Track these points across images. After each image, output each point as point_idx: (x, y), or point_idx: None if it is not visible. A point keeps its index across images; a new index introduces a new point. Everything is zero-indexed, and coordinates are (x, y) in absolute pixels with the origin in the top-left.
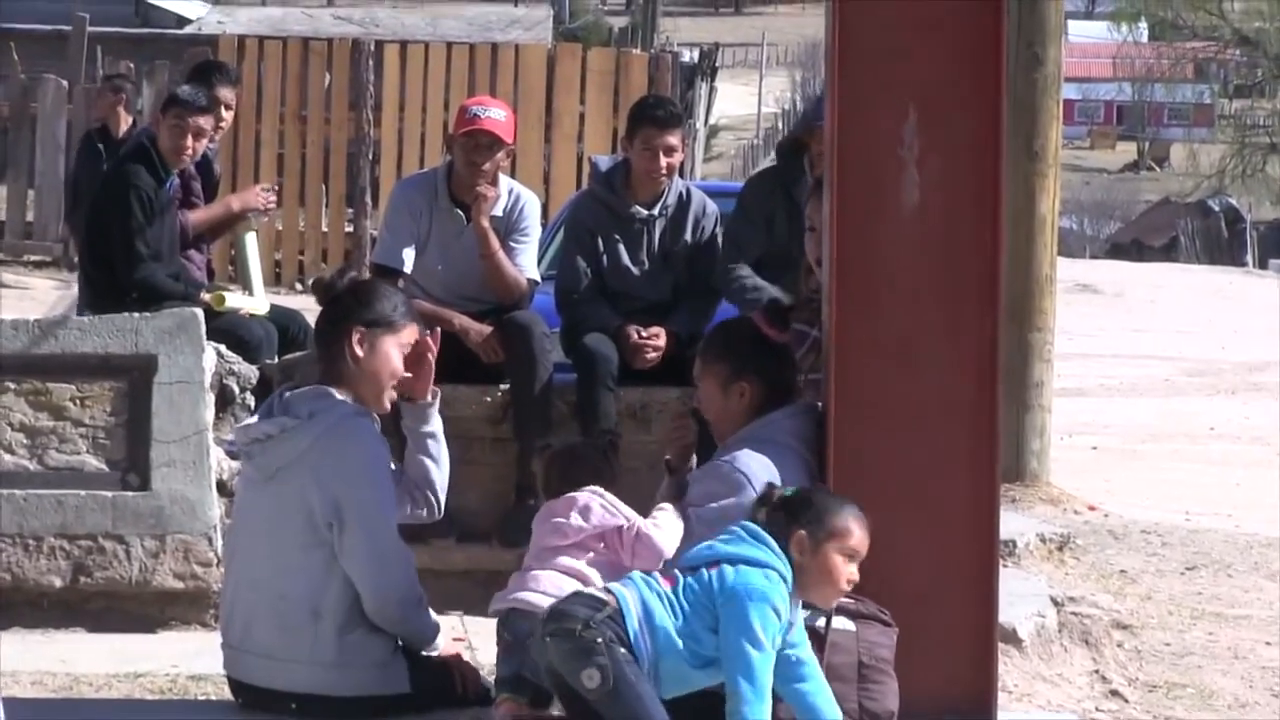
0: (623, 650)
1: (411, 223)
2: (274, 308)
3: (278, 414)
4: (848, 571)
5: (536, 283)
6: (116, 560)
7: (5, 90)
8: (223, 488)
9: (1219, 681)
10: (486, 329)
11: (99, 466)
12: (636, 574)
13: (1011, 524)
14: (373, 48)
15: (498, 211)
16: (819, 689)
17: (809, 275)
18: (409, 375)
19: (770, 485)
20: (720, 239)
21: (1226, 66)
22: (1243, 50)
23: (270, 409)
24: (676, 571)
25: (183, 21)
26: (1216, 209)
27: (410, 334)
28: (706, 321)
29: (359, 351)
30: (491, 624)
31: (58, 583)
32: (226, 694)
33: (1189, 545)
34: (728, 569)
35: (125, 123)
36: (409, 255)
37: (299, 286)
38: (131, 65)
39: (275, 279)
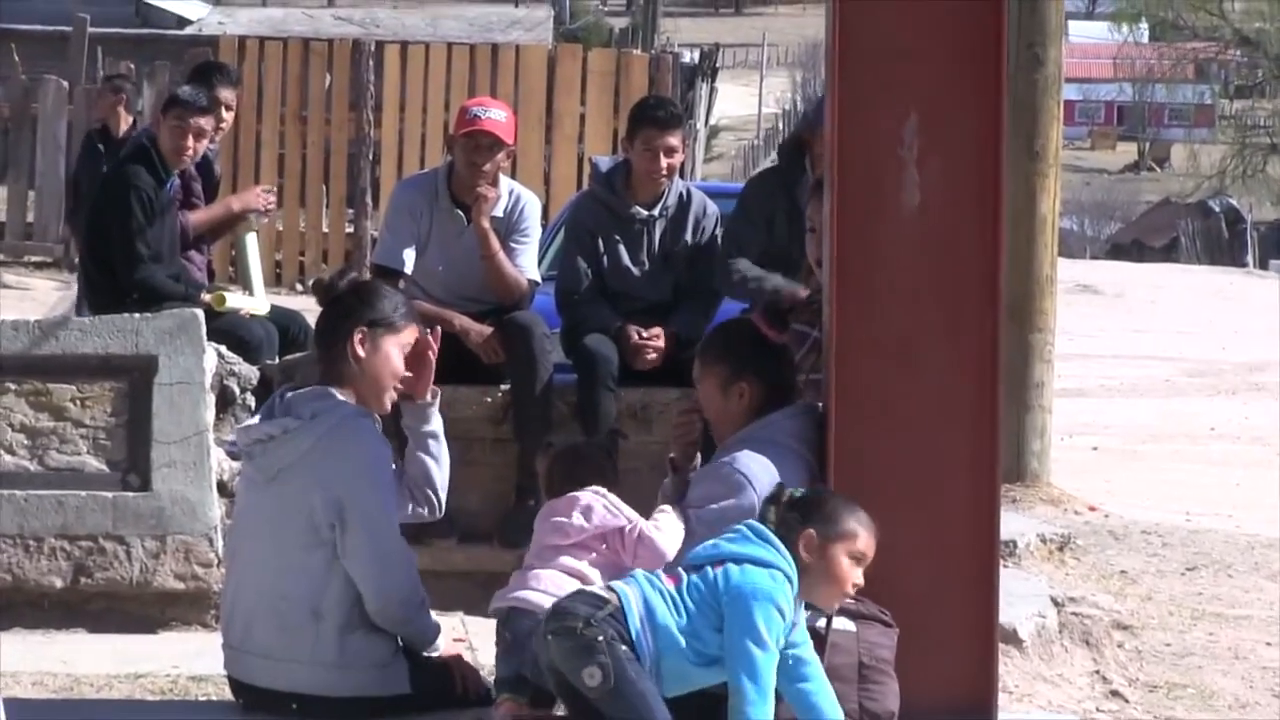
0: (624, 648)
1: (412, 223)
2: (274, 308)
3: (279, 415)
4: (854, 575)
5: (537, 283)
6: (117, 561)
7: (6, 91)
8: (223, 488)
9: (1219, 682)
10: (487, 330)
11: (99, 467)
12: (639, 572)
13: (1012, 524)
14: (373, 48)
15: (498, 212)
16: (821, 689)
17: (809, 276)
18: (409, 375)
19: (780, 485)
20: (720, 239)
21: (1227, 67)
22: (1243, 51)
23: (271, 410)
24: (680, 570)
25: (183, 22)
26: (1217, 209)
27: (411, 334)
28: (707, 322)
29: (361, 352)
30: (492, 625)
31: (58, 583)
32: (227, 694)
33: (1189, 546)
34: (733, 568)
35: (125, 123)
36: (409, 256)
37: (299, 287)
38: (132, 66)
39: (276, 280)
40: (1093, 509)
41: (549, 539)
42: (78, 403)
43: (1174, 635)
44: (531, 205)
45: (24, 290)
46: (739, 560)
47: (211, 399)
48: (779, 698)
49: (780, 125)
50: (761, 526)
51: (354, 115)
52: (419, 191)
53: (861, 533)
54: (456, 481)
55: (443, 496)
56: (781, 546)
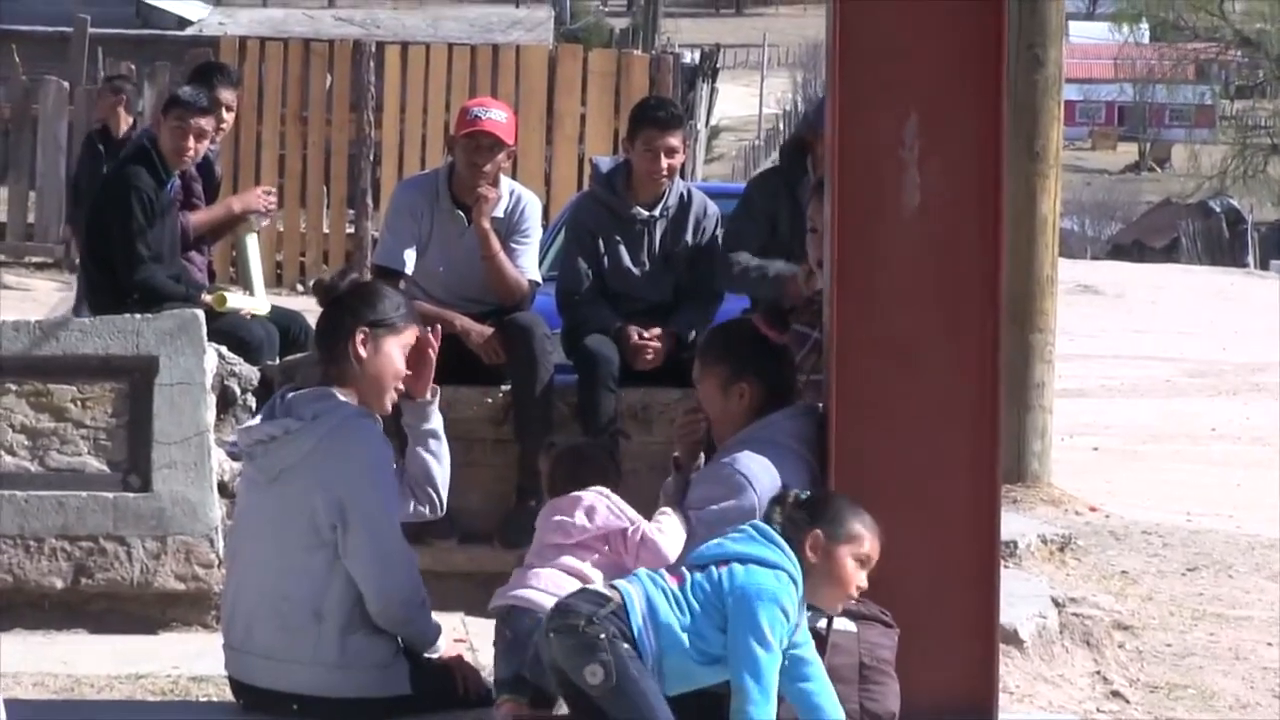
0: (626, 646)
1: (413, 224)
2: (275, 309)
3: (280, 415)
4: (858, 578)
5: (537, 284)
6: (118, 561)
7: (7, 92)
8: (224, 489)
9: (1220, 682)
10: (488, 330)
11: (100, 468)
12: (642, 570)
13: (1012, 525)
14: (374, 49)
15: (499, 213)
16: (823, 689)
17: (810, 277)
18: (409, 375)
19: (785, 487)
20: (721, 238)
21: (1228, 67)
22: (1244, 51)
23: (272, 410)
24: (684, 569)
25: (184, 23)
26: (1218, 210)
27: (412, 335)
28: (707, 322)
29: (362, 352)
30: (493, 625)
31: (59, 584)
32: (228, 695)
33: (1190, 546)
34: (738, 568)
35: (125, 123)
36: (410, 256)
37: (300, 288)
38: (133, 67)
39: (276, 280)
40: (1093, 509)
41: (551, 538)
42: (78, 403)
43: (1175, 636)
44: (532, 206)
45: (24, 291)
46: (744, 560)
47: (212, 399)
48: (780, 698)
49: (781, 126)
50: (767, 527)
51: (354, 116)
52: (420, 192)
53: (868, 536)
54: (457, 482)
55: (444, 494)
56: (787, 547)
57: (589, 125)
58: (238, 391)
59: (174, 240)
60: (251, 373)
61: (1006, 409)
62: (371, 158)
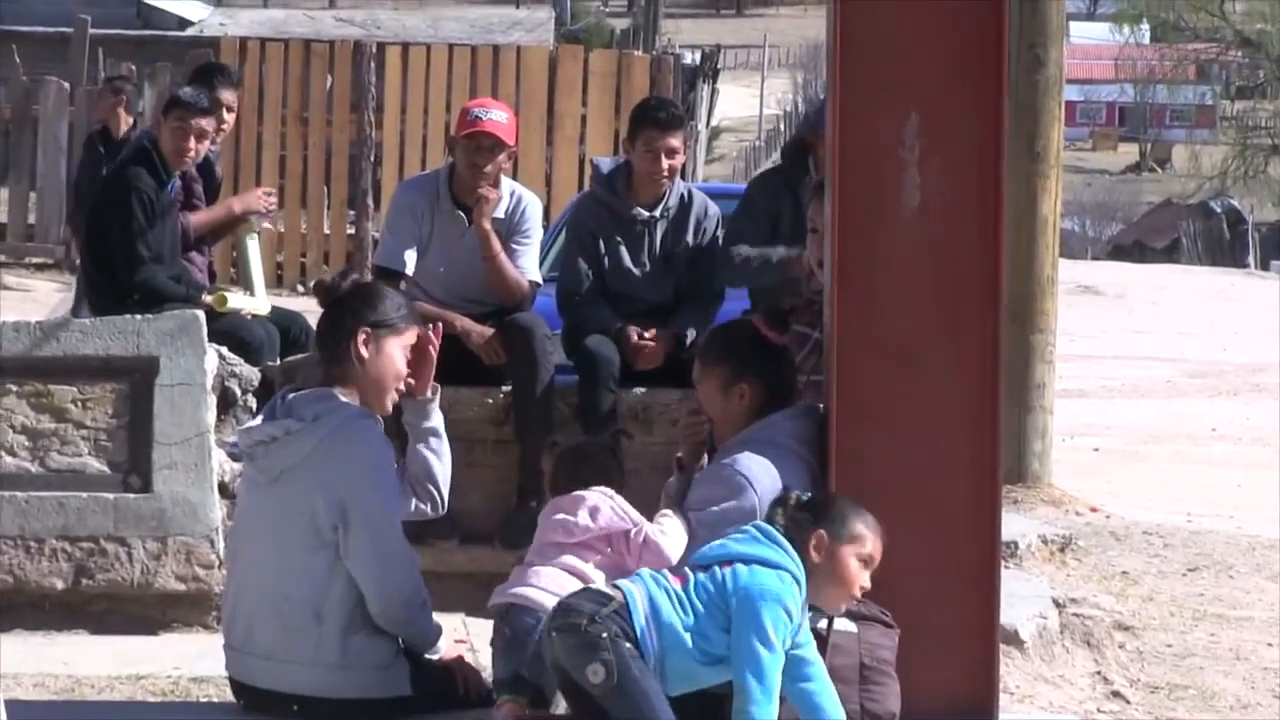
0: (628, 646)
1: (413, 225)
2: (275, 309)
3: (280, 416)
4: (861, 578)
5: (538, 285)
6: (118, 562)
7: (7, 92)
8: (224, 490)
9: (1221, 683)
10: (488, 331)
11: (100, 469)
12: (645, 571)
13: (1013, 525)
14: (374, 50)
15: (499, 213)
16: (824, 689)
17: (811, 277)
18: (410, 377)
19: (786, 488)
20: (722, 237)
21: (1228, 68)
22: (1244, 52)
23: (273, 411)
24: (687, 570)
25: (184, 23)
26: (1218, 210)
27: (413, 336)
28: (708, 323)
29: (364, 353)
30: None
31: (59, 585)
32: (228, 696)
33: (1190, 546)
34: (741, 568)
35: (125, 124)
36: (411, 257)
37: (301, 289)
38: (133, 67)
39: (277, 281)
40: (1094, 510)
41: (552, 536)
42: (79, 404)
43: (1175, 636)
44: (533, 206)
45: (25, 291)
46: (747, 561)
47: (213, 400)
48: (781, 699)
49: (781, 126)
50: (770, 528)
51: (355, 117)
52: (420, 193)
53: (870, 536)
54: (458, 483)
55: (445, 492)
56: (790, 548)
57: (589, 126)
58: (238, 392)
59: (174, 241)
60: (252, 373)
61: (1007, 409)
62: (372, 158)
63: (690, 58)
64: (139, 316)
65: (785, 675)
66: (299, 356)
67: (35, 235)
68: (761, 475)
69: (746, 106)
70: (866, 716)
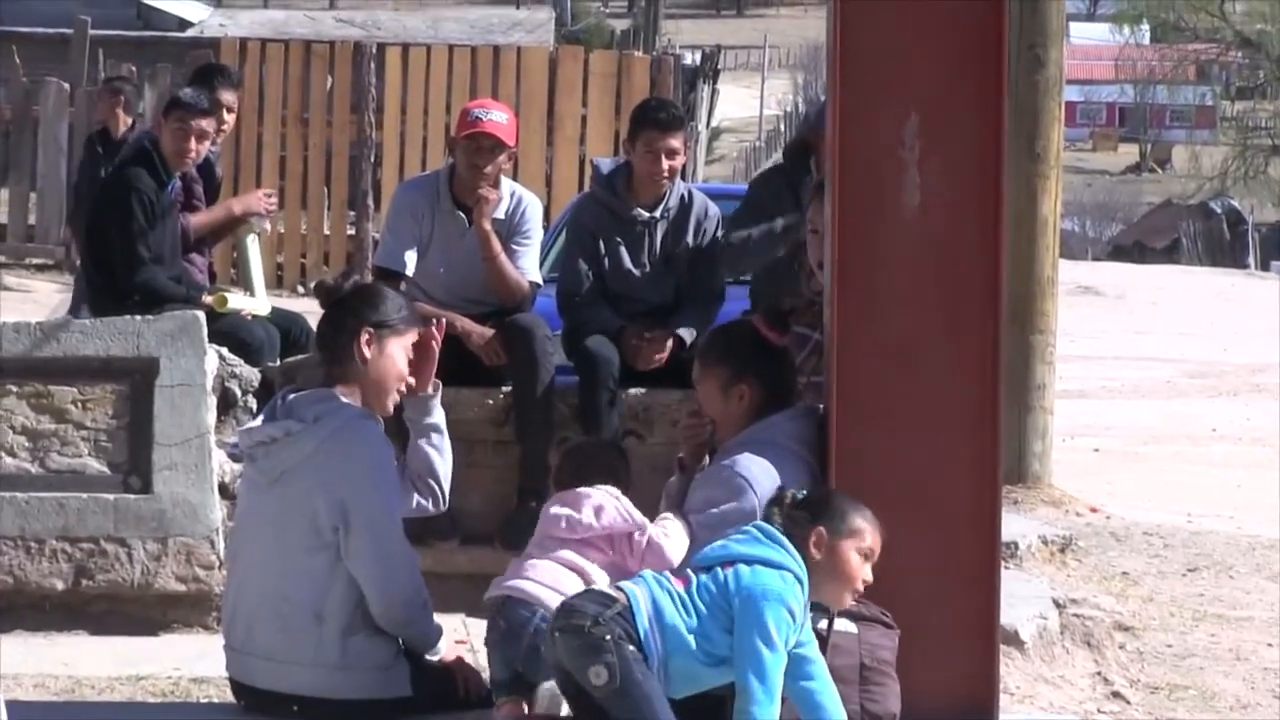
0: (631, 648)
1: (414, 225)
2: (276, 310)
3: (281, 417)
4: (863, 572)
5: (538, 285)
6: (118, 563)
7: (7, 93)
8: (225, 490)
9: (1221, 683)
10: (489, 331)
11: (101, 469)
12: (648, 572)
13: (1013, 526)
14: (375, 50)
15: (499, 214)
16: (825, 688)
17: (811, 278)
18: (410, 378)
19: (782, 487)
20: (722, 235)
21: (1228, 68)
22: (1244, 52)
23: (273, 412)
24: (689, 571)
25: (184, 24)
26: (1218, 211)
27: (414, 338)
28: (708, 324)
29: (367, 352)
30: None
31: (60, 585)
32: (229, 696)
33: (1191, 547)
34: (743, 569)
35: (124, 124)
36: (411, 258)
37: (301, 289)
38: (133, 68)
39: (277, 282)
40: (1094, 510)
41: (553, 530)
42: (79, 405)
43: (1175, 636)
44: (533, 207)
45: (25, 292)
46: (749, 561)
47: (213, 401)
48: (783, 699)
49: (782, 127)
50: (770, 528)
51: (355, 117)
52: (420, 194)
53: (869, 529)
54: (458, 483)
55: (446, 488)
56: (791, 547)
57: (590, 127)
58: (238, 393)
59: (175, 242)
60: (252, 374)
61: (1007, 410)
62: (372, 159)
63: (690, 58)
64: (139, 317)
65: (787, 675)
66: (299, 357)
67: (35, 236)
68: (762, 476)
69: (746, 107)
70: (867, 717)
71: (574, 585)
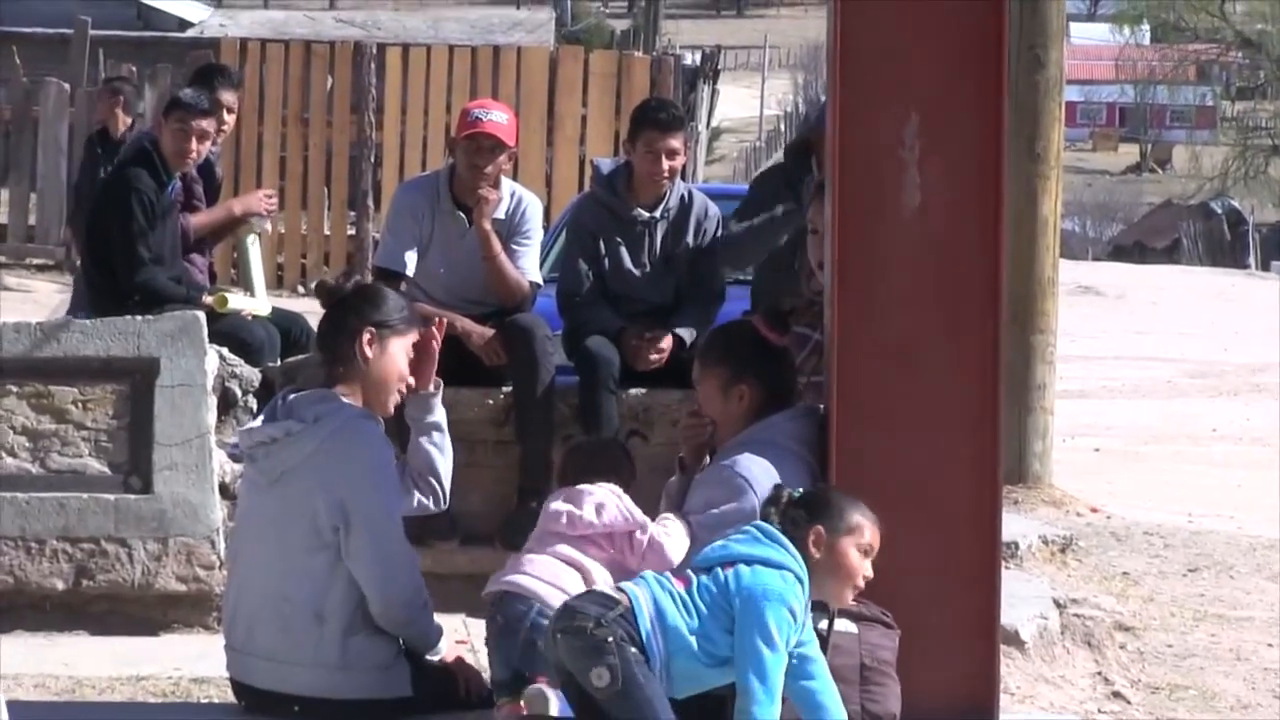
0: (634, 650)
1: (414, 225)
2: (276, 310)
3: (281, 417)
4: (864, 568)
5: (538, 285)
6: (119, 563)
7: (7, 93)
8: (225, 490)
9: (1221, 683)
10: (489, 332)
11: (101, 469)
12: (649, 573)
13: (1014, 526)
14: (375, 51)
15: (499, 214)
16: (826, 687)
17: (811, 278)
18: (411, 379)
19: (778, 486)
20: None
21: (1229, 69)
22: (1245, 52)
23: (274, 412)
24: (690, 572)
25: (184, 25)
26: (1219, 211)
27: (414, 337)
28: (708, 324)
29: (369, 352)
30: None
31: (60, 586)
32: (229, 696)
33: (1191, 547)
34: (744, 569)
35: (123, 124)
36: (411, 258)
37: (301, 290)
38: (134, 68)
39: (277, 282)
40: (1094, 510)
41: (554, 526)
42: (79, 405)
43: (1176, 636)
44: (533, 207)
45: (25, 292)
46: (749, 561)
47: (213, 401)
48: (783, 699)
49: (782, 127)
50: (770, 527)
51: (355, 118)
52: (420, 194)
53: (868, 525)
54: (458, 483)
55: (447, 487)
56: (791, 547)
57: (590, 127)
58: (239, 393)
59: (175, 242)
60: (253, 374)
61: (1007, 410)
62: (372, 159)
63: (690, 58)
64: (139, 317)
65: (788, 674)
66: (300, 357)
67: (35, 236)
68: (762, 477)
69: (747, 107)
70: (867, 717)
71: (572, 581)
